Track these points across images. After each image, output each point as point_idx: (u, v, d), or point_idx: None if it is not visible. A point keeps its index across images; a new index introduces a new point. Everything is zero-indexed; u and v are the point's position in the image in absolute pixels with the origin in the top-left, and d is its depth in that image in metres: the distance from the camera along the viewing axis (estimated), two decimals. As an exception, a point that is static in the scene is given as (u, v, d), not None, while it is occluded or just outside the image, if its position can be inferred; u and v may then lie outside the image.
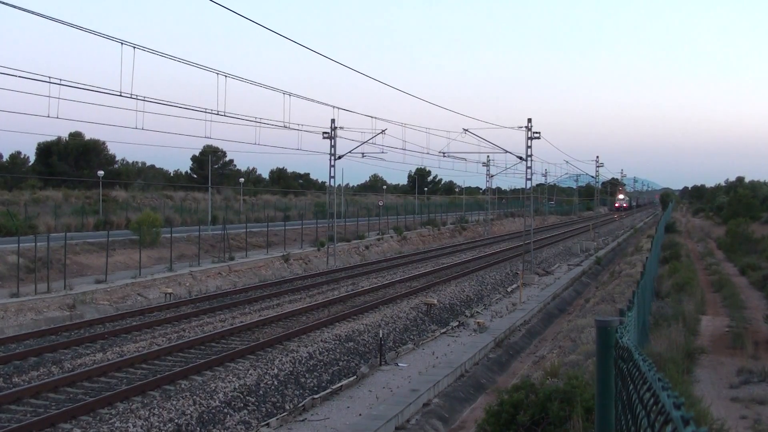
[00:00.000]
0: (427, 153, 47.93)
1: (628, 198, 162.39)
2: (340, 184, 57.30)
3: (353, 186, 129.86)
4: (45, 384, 15.23)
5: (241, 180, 77.52)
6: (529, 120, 41.19)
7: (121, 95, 23.63)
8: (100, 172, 54.02)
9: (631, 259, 38.67)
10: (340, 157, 42.44)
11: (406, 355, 19.24)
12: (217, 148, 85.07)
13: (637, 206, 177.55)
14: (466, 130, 43.02)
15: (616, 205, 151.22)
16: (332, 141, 41.86)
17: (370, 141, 41.75)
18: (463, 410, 15.75)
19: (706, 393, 11.35)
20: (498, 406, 10.04)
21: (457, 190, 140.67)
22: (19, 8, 17.84)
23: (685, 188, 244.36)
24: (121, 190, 65.74)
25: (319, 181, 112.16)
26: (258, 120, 33.55)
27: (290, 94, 32.51)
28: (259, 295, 28.76)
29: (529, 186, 44.44)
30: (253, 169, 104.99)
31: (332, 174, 42.62)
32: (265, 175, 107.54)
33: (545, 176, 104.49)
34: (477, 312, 26.42)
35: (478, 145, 74.69)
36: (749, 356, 14.75)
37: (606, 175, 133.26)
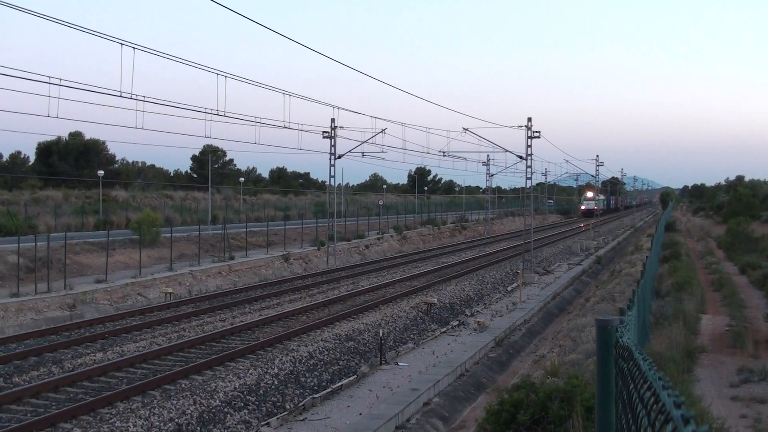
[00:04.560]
0: (427, 152, 48.05)
1: (602, 198, 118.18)
2: (340, 184, 57.30)
3: (353, 185, 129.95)
4: (45, 384, 15.23)
5: (241, 179, 77.52)
6: (529, 119, 41.22)
7: (121, 95, 23.65)
8: (100, 172, 54.06)
9: (631, 258, 38.65)
10: (340, 157, 42.46)
11: (406, 355, 19.23)
12: (217, 148, 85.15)
13: (626, 207, 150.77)
14: (466, 129, 43.07)
15: (583, 208, 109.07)
16: (332, 140, 41.87)
17: (370, 140, 41.79)
18: (464, 409, 15.74)
19: (707, 392, 11.35)
20: (498, 406, 10.04)
21: (457, 189, 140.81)
22: (19, 8, 17.86)
23: (685, 187, 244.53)
24: (121, 189, 65.78)
25: (319, 180, 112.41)
26: (258, 120, 33.60)
27: (290, 94, 32.55)
28: (259, 294, 28.75)
29: (529, 185, 44.47)
30: (253, 168, 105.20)
31: (332, 173, 42.68)
32: (265, 174, 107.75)
33: (545, 175, 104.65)
34: (477, 311, 26.41)
35: (478, 144, 74.99)
36: (749, 355, 14.76)
37: (606, 174, 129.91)
